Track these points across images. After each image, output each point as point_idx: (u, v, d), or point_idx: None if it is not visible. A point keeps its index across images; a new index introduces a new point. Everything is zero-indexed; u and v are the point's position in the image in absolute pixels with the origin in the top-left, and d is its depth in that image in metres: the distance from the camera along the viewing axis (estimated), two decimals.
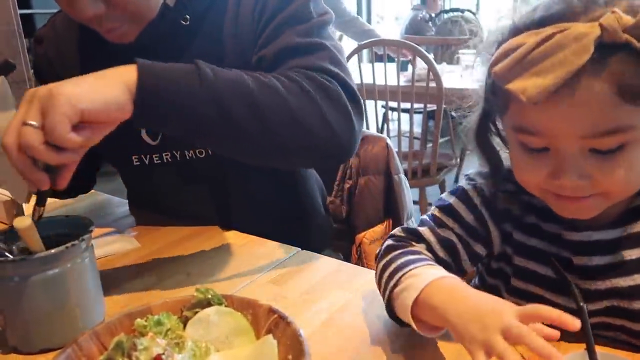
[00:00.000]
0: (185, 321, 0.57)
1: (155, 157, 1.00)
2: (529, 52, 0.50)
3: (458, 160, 2.63)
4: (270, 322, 0.55)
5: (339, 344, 0.65)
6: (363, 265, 1.23)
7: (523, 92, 0.50)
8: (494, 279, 0.74)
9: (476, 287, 0.76)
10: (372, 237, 1.28)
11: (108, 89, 0.62)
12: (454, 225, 0.69)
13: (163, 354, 0.50)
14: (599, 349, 0.48)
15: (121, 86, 0.63)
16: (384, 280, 0.64)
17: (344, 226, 1.36)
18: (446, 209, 0.70)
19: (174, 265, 0.87)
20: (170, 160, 0.99)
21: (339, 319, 0.71)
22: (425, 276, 0.60)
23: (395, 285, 0.62)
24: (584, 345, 0.47)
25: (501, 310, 0.49)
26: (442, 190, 2.43)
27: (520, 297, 0.68)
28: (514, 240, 0.68)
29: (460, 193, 0.70)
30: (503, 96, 0.56)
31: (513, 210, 0.67)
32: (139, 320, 0.55)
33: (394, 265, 0.64)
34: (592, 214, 0.57)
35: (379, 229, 1.29)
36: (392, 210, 1.29)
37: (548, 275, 0.65)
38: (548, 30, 0.49)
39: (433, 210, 0.71)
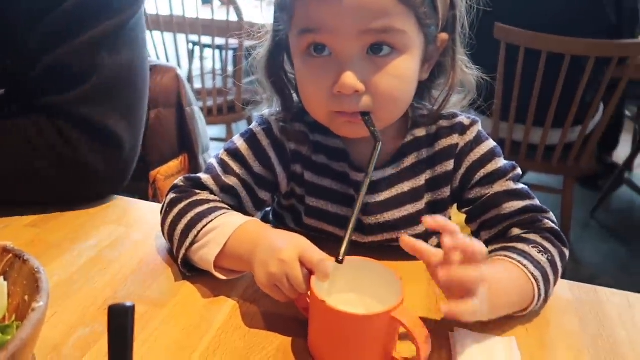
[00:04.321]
0: None
1: None
2: None
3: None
4: (4, 263, 0.48)
5: (105, 280, 0.61)
6: (159, 203, 1.18)
7: None
8: (286, 213, 0.74)
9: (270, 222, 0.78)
10: (166, 172, 1.22)
11: None
12: (240, 171, 0.67)
13: None
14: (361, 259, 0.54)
15: None
16: (176, 237, 0.62)
17: (138, 164, 1.27)
18: (234, 152, 0.67)
19: None
20: None
21: (108, 255, 0.66)
22: (224, 228, 0.59)
23: (193, 242, 0.60)
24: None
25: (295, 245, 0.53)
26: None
27: (312, 233, 0.69)
28: (306, 181, 0.68)
29: (249, 137, 0.68)
30: (290, 2, 0.57)
31: (303, 151, 0.67)
32: None
33: (185, 221, 0.61)
34: (366, 132, 0.59)
35: (174, 164, 1.24)
36: (186, 144, 1.24)
37: (339, 213, 0.68)
38: None
39: (221, 153, 0.68)
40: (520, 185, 0.65)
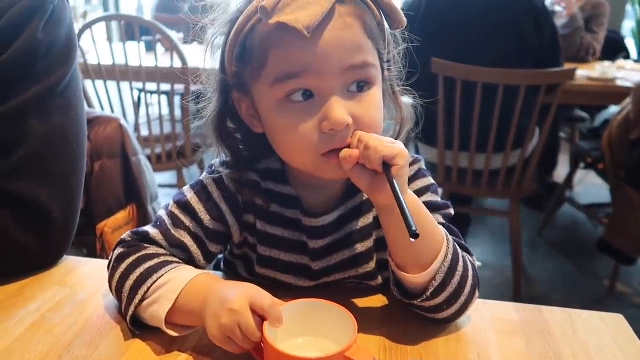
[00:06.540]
0: None
1: None
2: None
3: None
4: None
5: (48, 345, 0.58)
6: (106, 257, 1.14)
7: (297, 22, 0.52)
8: (238, 261, 0.73)
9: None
10: (114, 225, 1.19)
11: None
12: (191, 224, 0.65)
13: None
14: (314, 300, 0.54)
15: None
16: (125, 294, 0.60)
17: (83, 218, 1.23)
18: (184, 205, 0.65)
19: None
20: None
21: (51, 318, 0.63)
22: (174, 283, 0.58)
23: (143, 299, 0.59)
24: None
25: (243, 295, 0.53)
26: (202, 169, 2.41)
27: (264, 281, 0.69)
28: (258, 231, 0.67)
29: (199, 188, 0.66)
30: (260, 53, 0.56)
31: (256, 201, 0.66)
32: None
33: (134, 277, 0.60)
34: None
35: (121, 215, 1.21)
36: (133, 194, 1.22)
37: (292, 261, 0.67)
38: None
39: (171, 205, 0.67)
40: (450, 225, 0.65)
